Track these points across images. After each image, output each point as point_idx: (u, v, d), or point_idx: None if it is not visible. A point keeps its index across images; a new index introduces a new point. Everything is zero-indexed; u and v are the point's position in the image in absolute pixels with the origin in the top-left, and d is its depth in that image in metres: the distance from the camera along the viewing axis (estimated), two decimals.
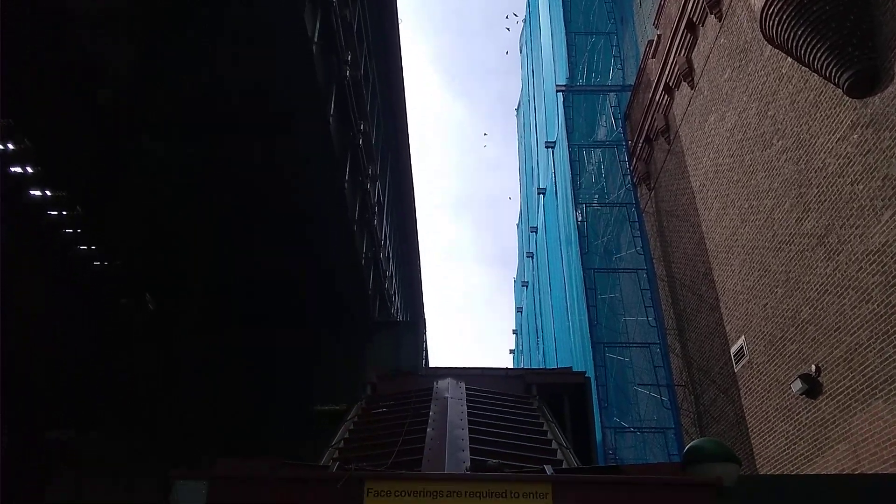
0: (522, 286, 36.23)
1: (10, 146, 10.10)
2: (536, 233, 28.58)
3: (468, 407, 7.58)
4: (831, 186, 10.75)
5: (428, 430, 6.25)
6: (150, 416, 13.93)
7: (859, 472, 10.07)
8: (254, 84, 10.05)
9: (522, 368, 22.97)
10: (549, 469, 4.47)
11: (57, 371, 12.13)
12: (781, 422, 12.40)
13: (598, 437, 14.24)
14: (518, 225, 39.66)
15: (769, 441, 12.84)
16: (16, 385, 13.06)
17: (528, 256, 32.35)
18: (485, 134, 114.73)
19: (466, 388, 8.57)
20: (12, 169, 10.45)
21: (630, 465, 4.08)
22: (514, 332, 43.17)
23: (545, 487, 3.81)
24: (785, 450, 12.23)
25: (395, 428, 6.39)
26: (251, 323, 13.96)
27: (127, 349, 13.40)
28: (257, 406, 13.22)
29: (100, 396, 12.95)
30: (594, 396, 13.75)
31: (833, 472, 10.63)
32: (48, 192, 11.13)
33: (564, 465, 4.97)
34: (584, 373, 9.88)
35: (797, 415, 11.84)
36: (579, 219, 17.86)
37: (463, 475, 4.42)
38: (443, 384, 8.89)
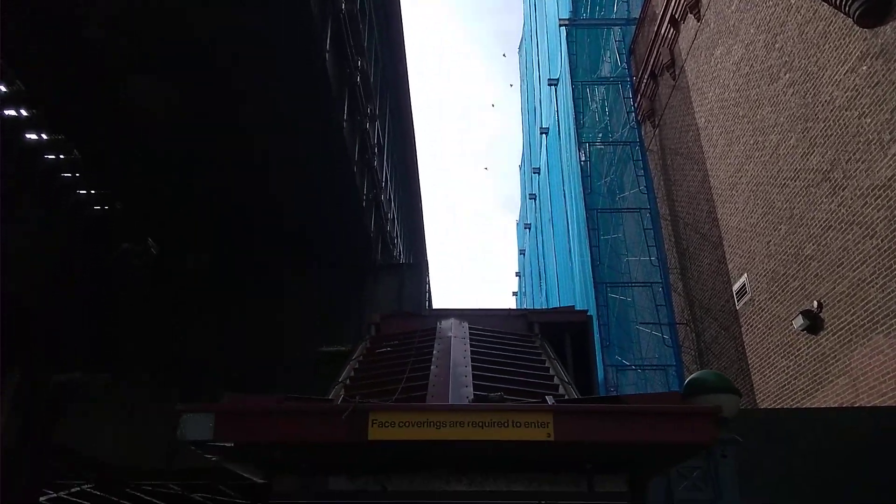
0: (525, 228, 36.21)
1: (3, 88, 9.93)
2: (539, 174, 28.36)
3: (471, 345, 7.63)
4: (838, 120, 10.57)
5: (432, 367, 6.30)
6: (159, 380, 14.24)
7: (858, 405, 10.22)
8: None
9: (525, 309, 23.13)
10: (550, 399, 4.53)
11: (61, 315, 12.26)
12: (782, 358, 12.53)
13: (600, 374, 14.43)
14: (520, 166, 39.35)
15: (769, 377, 13.00)
16: (19, 328, 13.24)
17: (530, 198, 32.20)
18: (510, 84, 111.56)
19: (469, 328, 8.63)
20: (6, 112, 10.33)
21: (630, 395, 4.12)
22: (517, 274, 43.37)
23: (546, 416, 3.86)
24: (785, 385, 12.40)
25: (399, 366, 6.44)
26: (256, 265, 14.01)
27: (131, 299, 13.52)
28: (265, 361, 13.35)
29: (105, 342, 13.13)
30: (596, 336, 13.88)
31: (832, 406, 10.80)
32: (44, 136, 11.02)
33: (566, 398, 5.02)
34: (587, 311, 9.90)
35: (798, 350, 11.95)
36: (582, 159, 17.66)
37: (465, 406, 4.48)
38: (446, 324, 8.95)
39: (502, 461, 4.29)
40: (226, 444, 3.86)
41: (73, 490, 16.44)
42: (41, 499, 15.88)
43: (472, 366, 6.34)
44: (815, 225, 11.32)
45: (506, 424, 3.87)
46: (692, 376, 5.29)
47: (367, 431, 3.84)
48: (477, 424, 3.88)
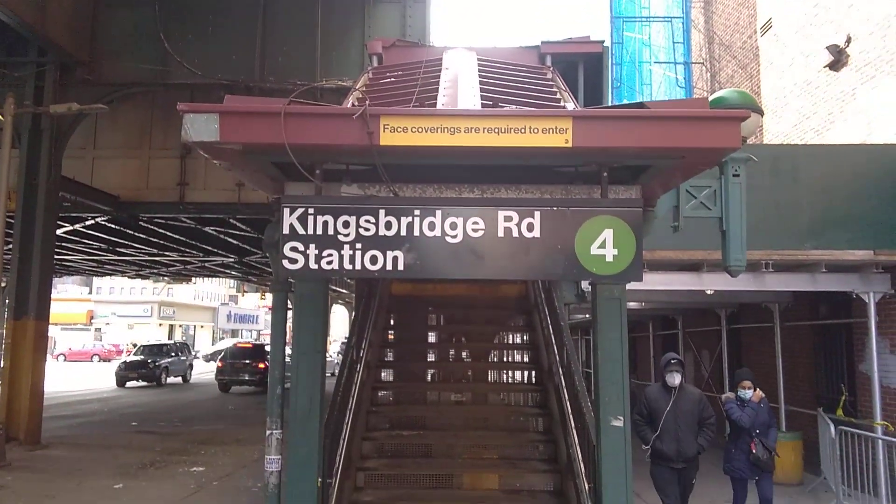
0: None
1: None
2: None
3: (480, 76, 7.31)
4: None
5: (439, 97, 6.05)
6: None
7: (870, 143, 10.14)
8: None
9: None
10: (570, 105, 4.34)
11: (52, 35, 11.57)
12: (797, 97, 12.20)
13: None
14: None
15: (782, 118, 12.79)
16: (9, 53, 12.66)
17: None
18: None
19: (478, 59, 8.23)
20: None
21: (654, 101, 3.90)
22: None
23: (565, 122, 3.68)
24: (797, 125, 12.23)
25: (405, 95, 6.16)
26: None
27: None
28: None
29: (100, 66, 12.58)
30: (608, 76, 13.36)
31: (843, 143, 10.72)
32: None
33: None
34: (603, 41, 9.34)
35: (815, 89, 11.58)
36: None
37: (481, 111, 4.31)
38: (453, 55, 8.53)
39: (516, 171, 4.23)
40: (232, 146, 3.74)
41: (88, 223, 17.11)
42: (58, 231, 16.61)
43: (481, 96, 6.09)
44: None
45: (523, 131, 3.71)
46: (716, 94, 5.05)
47: (379, 136, 3.70)
48: (492, 130, 3.72)
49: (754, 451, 6.84)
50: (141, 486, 9.68)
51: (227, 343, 42.36)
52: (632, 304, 12.82)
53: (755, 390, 7.00)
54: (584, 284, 9.15)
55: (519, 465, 6.92)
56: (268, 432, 4.68)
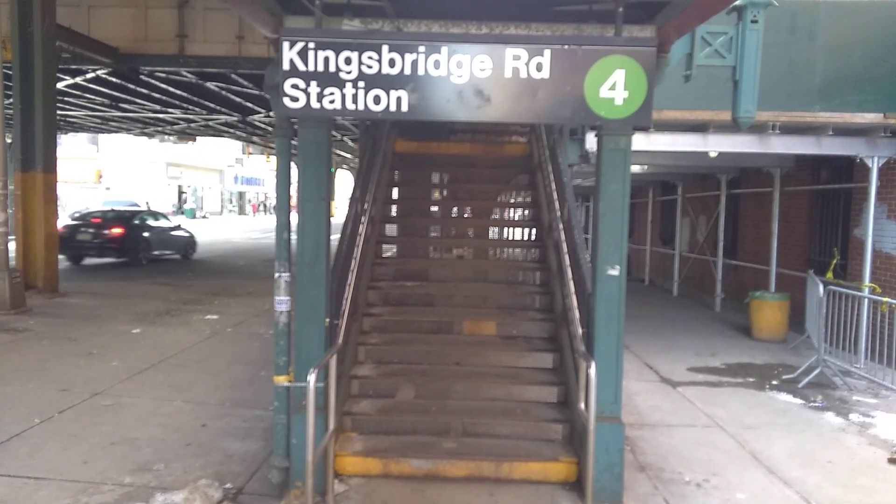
0: None
1: None
2: None
3: None
4: None
5: None
6: None
7: None
8: None
9: None
10: None
11: None
12: None
13: None
14: None
15: None
16: None
17: None
18: None
19: None
20: None
21: None
22: None
23: None
24: None
25: None
26: None
27: None
28: None
29: None
30: None
31: None
32: None
33: None
34: None
35: None
36: None
37: None
38: None
39: (526, 8, 4.10)
40: None
41: (88, 76, 16.74)
42: (60, 84, 16.31)
43: None
44: None
45: None
46: None
47: None
48: None
49: None
50: (158, 332, 10.15)
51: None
52: (634, 168, 12.80)
53: None
54: (589, 144, 9.09)
55: (516, 315, 7.21)
56: (276, 275, 4.84)
